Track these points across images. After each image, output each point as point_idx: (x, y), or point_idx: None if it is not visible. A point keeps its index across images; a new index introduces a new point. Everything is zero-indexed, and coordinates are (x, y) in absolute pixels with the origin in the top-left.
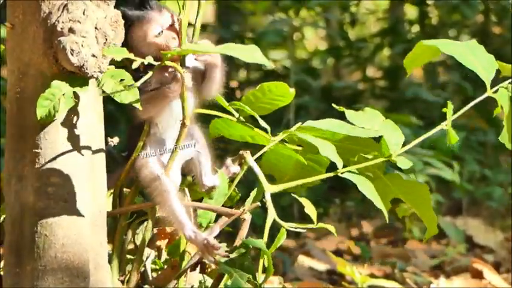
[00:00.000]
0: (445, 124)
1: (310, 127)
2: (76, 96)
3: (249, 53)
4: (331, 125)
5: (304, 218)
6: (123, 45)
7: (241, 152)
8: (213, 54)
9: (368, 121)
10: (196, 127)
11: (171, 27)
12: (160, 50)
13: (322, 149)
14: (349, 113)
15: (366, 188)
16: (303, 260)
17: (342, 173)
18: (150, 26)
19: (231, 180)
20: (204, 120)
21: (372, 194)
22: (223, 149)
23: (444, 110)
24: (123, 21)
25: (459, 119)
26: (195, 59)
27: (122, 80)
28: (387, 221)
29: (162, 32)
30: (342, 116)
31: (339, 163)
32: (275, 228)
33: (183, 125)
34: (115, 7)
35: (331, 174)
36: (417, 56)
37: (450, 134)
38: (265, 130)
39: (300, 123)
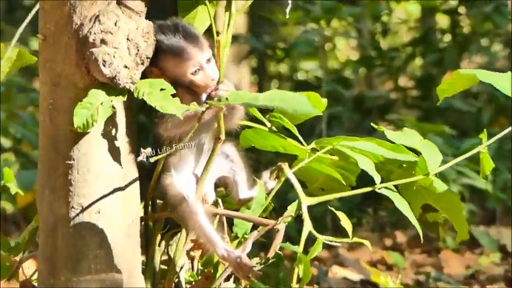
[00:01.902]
0: (482, 148)
1: (350, 146)
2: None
3: (296, 104)
4: (369, 146)
5: (338, 228)
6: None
7: (279, 164)
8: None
9: (407, 140)
10: (230, 145)
11: (210, 61)
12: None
13: (361, 163)
14: (388, 133)
15: (402, 204)
16: (337, 270)
17: (379, 189)
18: (188, 64)
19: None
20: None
21: (408, 211)
22: (255, 159)
23: (481, 136)
24: (154, 32)
25: (492, 128)
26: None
27: (162, 89)
28: (421, 239)
29: (199, 69)
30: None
31: (377, 178)
32: (308, 238)
33: (217, 140)
34: (147, 18)
35: (368, 189)
36: (452, 84)
37: (485, 161)
38: (300, 142)
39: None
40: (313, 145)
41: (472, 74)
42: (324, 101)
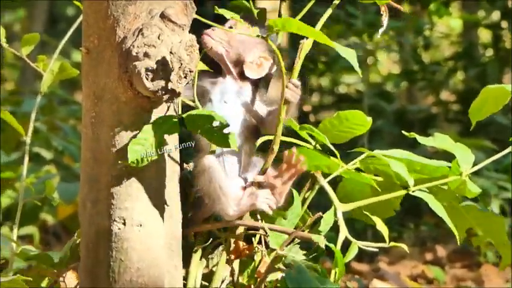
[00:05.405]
0: None
1: (384, 155)
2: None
3: (348, 55)
4: (403, 155)
5: (379, 242)
6: None
7: (312, 172)
8: (294, 92)
9: (439, 143)
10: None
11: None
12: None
13: (393, 166)
14: (420, 138)
15: (437, 206)
16: (377, 284)
17: (413, 191)
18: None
19: (303, 201)
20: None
21: (442, 213)
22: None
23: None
24: (197, 46)
25: None
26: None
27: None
28: (459, 243)
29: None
30: (416, 142)
31: (410, 180)
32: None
33: (271, 150)
34: (190, 32)
35: (403, 193)
36: (484, 104)
37: None
38: (335, 156)
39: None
40: (357, 165)
41: (502, 87)
42: (369, 119)
